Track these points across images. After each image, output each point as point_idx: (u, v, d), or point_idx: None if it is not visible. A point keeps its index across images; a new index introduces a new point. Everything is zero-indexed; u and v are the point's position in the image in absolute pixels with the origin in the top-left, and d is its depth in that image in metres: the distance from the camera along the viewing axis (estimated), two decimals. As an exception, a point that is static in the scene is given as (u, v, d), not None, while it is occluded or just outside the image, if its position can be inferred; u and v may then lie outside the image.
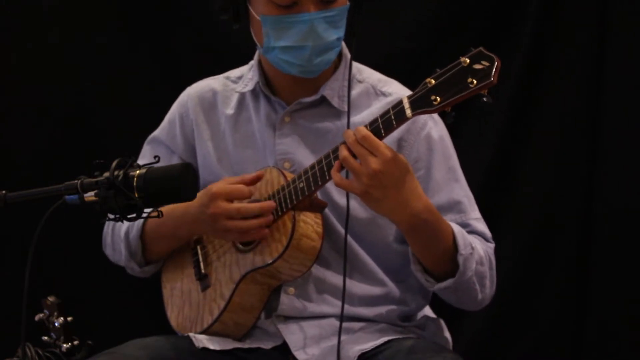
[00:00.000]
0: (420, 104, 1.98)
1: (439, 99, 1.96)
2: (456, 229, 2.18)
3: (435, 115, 2.30)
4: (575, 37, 3.24)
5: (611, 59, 3.21)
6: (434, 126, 2.30)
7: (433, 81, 1.97)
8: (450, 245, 2.16)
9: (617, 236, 3.24)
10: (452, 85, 1.94)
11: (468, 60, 1.94)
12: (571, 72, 3.25)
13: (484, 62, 1.93)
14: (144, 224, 2.37)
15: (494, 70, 1.91)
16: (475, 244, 2.21)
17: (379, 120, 2.05)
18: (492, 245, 2.30)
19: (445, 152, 2.31)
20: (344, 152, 2.05)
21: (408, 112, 2.00)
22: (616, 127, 3.23)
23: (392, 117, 2.02)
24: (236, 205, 2.22)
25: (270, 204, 2.20)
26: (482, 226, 2.30)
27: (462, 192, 2.30)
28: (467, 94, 1.93)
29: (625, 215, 3.22)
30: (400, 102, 2.01)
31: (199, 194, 2.25)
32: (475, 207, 2.32)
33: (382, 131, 2.04)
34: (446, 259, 2.17)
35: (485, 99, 1.93)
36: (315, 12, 2.20)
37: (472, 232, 2.27)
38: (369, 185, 2.03)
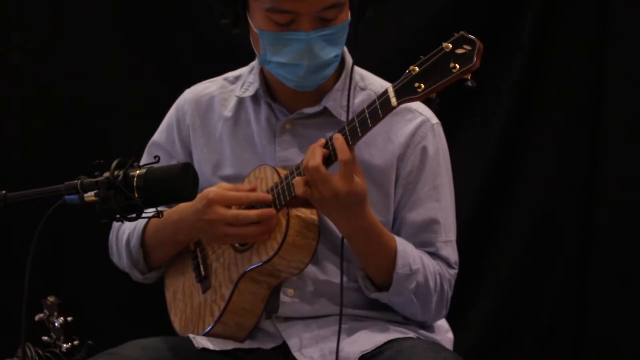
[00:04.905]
0: (404, 92, 1.98)
1: (422, 86, 1.95)
2: (400, 247, 2.19)
3: (436, 129, 2.30)
4: (575, 37, 3.24)
5: (611, 59, 3.21)
6: (432, 140, 2.29)
7: (417, 68, 1.96)
8: (390, 262, 2.18)
9: (617, 236, 3.24)
10: (435, 72, 1.93)
11: (450, 46, 1.93)
12: (571, 72, 3.26)
13: (466, 47, 1.91)
14: (143, 232, 2.36)
15: (475, 53, 1.90)
16: (425, 266, 2.21)
17: (366, 111, 2.05)
18: (453, 271, 2.28)
19: (435, 170, 2.29)
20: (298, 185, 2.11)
21: (393, 100, 2.00)
22: (616, 127, 3.23)
23: (378, 107, 2.02)
24: (234, 211, 2.21)
25: (270, 211, 2.18)
26: (448, 250, 2.28)
27: (440, 213, 2.28)
28: (450, 79, 1.92)
29: (626, 215, 3.22)
30: (386, 91, 2.01)
31: (195, 199, 2.25)
32: (450, 230, 2.29)
33: (369, 122, 2.04)
34: (384, 274, 2.19)
35: (469, 84, 1.92)
36: (313, 31, 2.17)
37: (435, 254, 2.26)
38: (321, 199, 2.09)
